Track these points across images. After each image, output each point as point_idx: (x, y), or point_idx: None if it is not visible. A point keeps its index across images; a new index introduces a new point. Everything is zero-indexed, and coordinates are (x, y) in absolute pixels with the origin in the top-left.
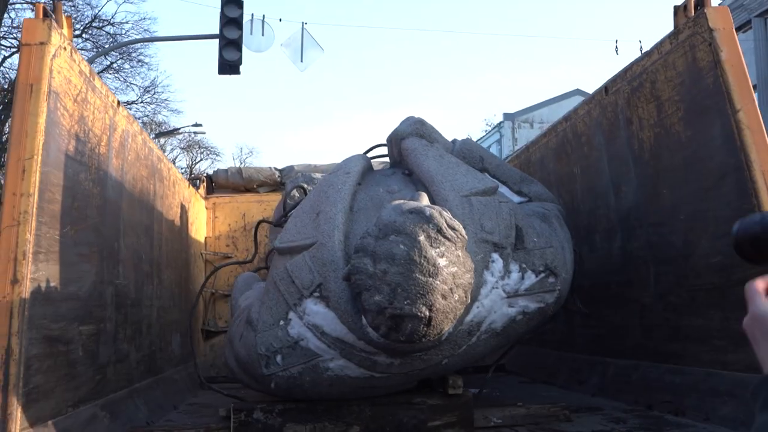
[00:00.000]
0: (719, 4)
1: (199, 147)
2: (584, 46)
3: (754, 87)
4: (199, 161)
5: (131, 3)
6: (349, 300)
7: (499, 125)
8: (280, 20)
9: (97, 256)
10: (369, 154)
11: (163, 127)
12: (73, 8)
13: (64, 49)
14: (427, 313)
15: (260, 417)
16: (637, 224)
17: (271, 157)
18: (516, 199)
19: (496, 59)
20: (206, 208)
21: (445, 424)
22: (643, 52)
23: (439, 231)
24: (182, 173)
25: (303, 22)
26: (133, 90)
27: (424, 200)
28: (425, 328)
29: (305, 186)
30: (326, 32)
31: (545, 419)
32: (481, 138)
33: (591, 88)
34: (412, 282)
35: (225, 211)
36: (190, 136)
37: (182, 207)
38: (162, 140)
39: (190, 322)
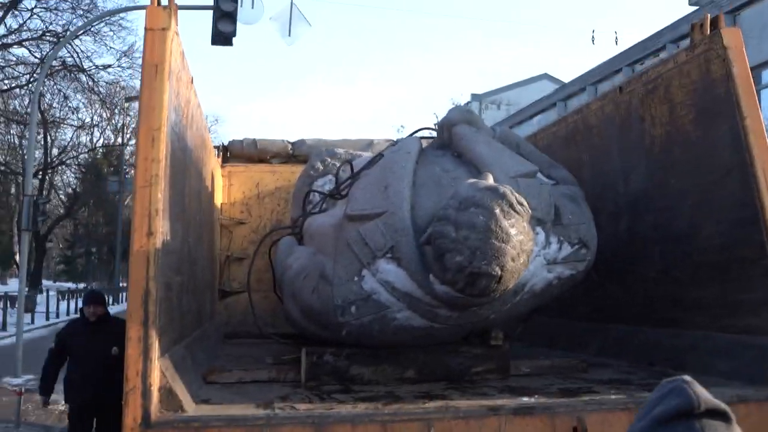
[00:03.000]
0: None
1: None
2: (554, 33)
3: None
4: None
5: None
6: (419, 260)
7: (467, 105)
8: None
9: (181, 216)
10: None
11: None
12: None
13: (176, 33)
14: (499, 272)
15: (330, 359)
16: (644, 208)
17: (235, 127)
18: (545, 181)
19: (464, 40)
20: (222, 176)
21: (486, 370)
22: (618, 42)
23: (511, 206)
24: None
25: None
26: (112, 53)
27: (490, 179)
28: (496, 285)
29: (329, 159)
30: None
31: (566, 370)
32: None
33: (560, 73)
34: (489, 246)
35: (240, 179)
36: None
37: (212, 174)
38: (126, 104)
39: (248, 281)
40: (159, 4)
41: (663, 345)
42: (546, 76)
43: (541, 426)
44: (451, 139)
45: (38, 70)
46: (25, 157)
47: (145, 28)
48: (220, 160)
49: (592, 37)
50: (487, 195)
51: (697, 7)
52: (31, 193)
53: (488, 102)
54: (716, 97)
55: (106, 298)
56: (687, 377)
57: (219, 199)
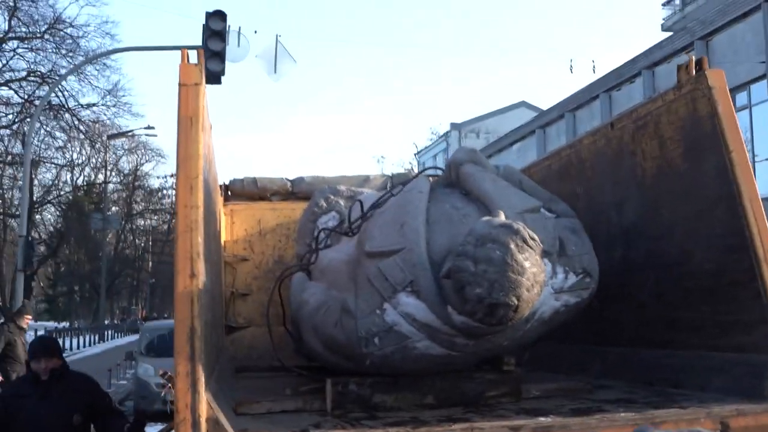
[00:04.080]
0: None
1: (144, 149)
2: (532, 61)
3: None
4: (143, 163)
5: (93, 6)
6: (437, 293)
7: (446, 134)
8: (255, 32)
9: (208, 257)
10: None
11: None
12: (33, 7)
13: (205, 87)
14: (516, 302)
15: (354, 388)
16: (637, 237)
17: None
18: (548, 215)
19: (442, 69)
20: (225, 215)
21: (500, 394)
22: (595, 71)
23: (524, 241)
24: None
25: (277, 35)
26: (96, 92)
27: (502, 217)
28: (513, 314)
29: (332, 197)
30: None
31: (573, 392)
32: (428, 147)
33: (538, 100)
34: (506, 279)
35: (241, 217)
36: (137, 138)
37: (219, 213)
38: (108, 142)
39: (267, 316)
40: (189, 61)
41: (660, 365)
42: (524, 104)
43: None
44: (458, 178)
45: (22, 110)
46: (9, 197)
47: (180, 84)
48: (222, 198)
49: (570, 66)
50: (503, 231)
51: (671, 33)
52: (26, 234)
53: (467, 131)
54: (703, 133)
55: (69, 344)
56: (650, 426)
57: (223, 236)
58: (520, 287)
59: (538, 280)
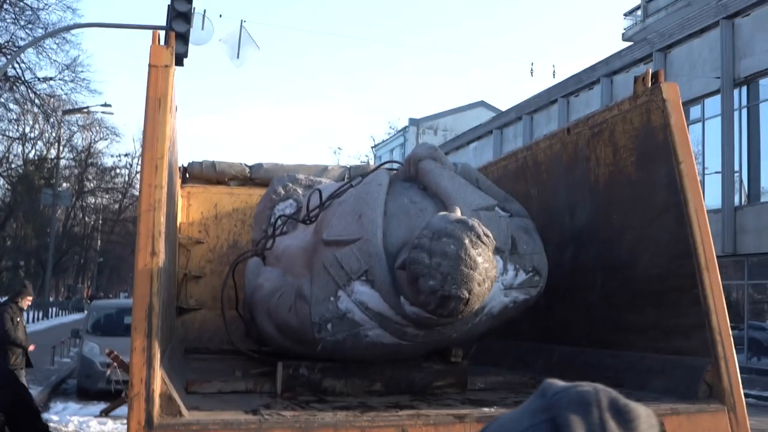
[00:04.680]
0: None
1: (99, 126)
2: (494, 63)
3: None
4: (98, 141)
5: None
6: (391, 283)
7: (404, 130)
8: (221, 16)
9: (168, 237)
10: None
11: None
12: None
13: (174, 69)
14: (467, 296)
15: (305, 372)
16: (587, 240)
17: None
18: (503, 214)
19: (403, 66)
20: (182, 197)
21: (446, 384)
22: (555, 76)
23: (478, 237)
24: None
25: (242, 20)
26: (54, 66)
27: (458, 213)
28: (463, 306)
29: (290, 185)
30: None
31: (517, 385)
32: (386, 141)
33: (497, 102)
34: (459, 273)
35: (199, 200)
36: (93, 115)
37: (177, 195)
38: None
39: (222, 300)
40: (161, 42)
41: (603, 365)
42: (482, 104)
43: None
44: (417, 173)
45: None
46: None
47: (150, 65)
48: (180, 180)
49: (531, 69)
50: (458, 227)
51: (631, 43)
52: None
53: (425, 127)
54: (655, 144)
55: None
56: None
57: (179, 218)
58: (472, 281)
59: (490, 276)
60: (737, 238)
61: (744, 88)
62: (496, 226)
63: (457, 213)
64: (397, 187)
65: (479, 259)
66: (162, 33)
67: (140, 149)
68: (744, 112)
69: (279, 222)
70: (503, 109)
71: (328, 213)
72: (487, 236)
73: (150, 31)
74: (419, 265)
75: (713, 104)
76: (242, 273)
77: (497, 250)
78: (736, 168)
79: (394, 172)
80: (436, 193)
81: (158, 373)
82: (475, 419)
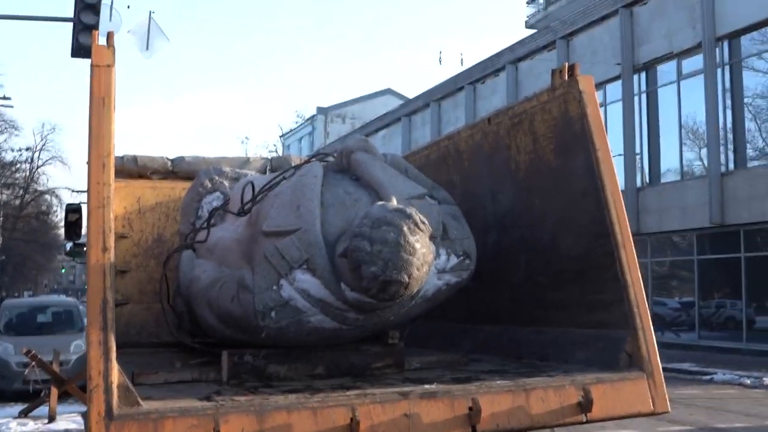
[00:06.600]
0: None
1: None
2: (400, 50)
3: None
4: None
5: None
6: (331, 271)
7: (312, 118)
8: (128, 7)
9: (117, 233)
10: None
11: None
12: None
13: (115, 68)
14: (407, 280)
15: (249, 359)
16: (510, 224)
17: (76, 135)
18: (432, 202)
19: (310, 54)
20: None
21: (385, 365)
22: (463, 63)
23: (416, 224)
24: None
25: (150, 11)
26: None
27: (395, 202)
28: (404, 290)
29: (216, 177)
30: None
31: (451, 363)
32: (294, 130)
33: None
34: (399, 258)
35: (121, 194)
36: None
37: None
38: None
39: (161, 294)
40: (103, 43)
41: (529, 341)
42: (390, 91)
43: (443, 407)
44: (350, 165)
45: None
46: None
47: (92, 65)
48: None
49: (440, 57)
50: (397, 215)
51: (534, 30)
52: None
53: (333, 115)
54: (573, 132)
55: None
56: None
57: None
58: (412, 266)
59: (427, 260)
60: (640, 218)
61: (643, 74)
62: (428, 213)
63: (394, 202)
64: (331, 179)
65: (417, 245)
66: (101, 32)
67: (41, 143)
68: (644, 96)
69: (214, 214)
70: (411, 96)
71: (265, 204)
72: (424, 223)
73: (52, 23)
74: (361, 252)
75: (614, 90)
76: (172, 266)
77: (431, 237)
78: (637, 150)
79: (325, 163)
80: (369, 183)
81: (115, 365)
82: (418, 395)
